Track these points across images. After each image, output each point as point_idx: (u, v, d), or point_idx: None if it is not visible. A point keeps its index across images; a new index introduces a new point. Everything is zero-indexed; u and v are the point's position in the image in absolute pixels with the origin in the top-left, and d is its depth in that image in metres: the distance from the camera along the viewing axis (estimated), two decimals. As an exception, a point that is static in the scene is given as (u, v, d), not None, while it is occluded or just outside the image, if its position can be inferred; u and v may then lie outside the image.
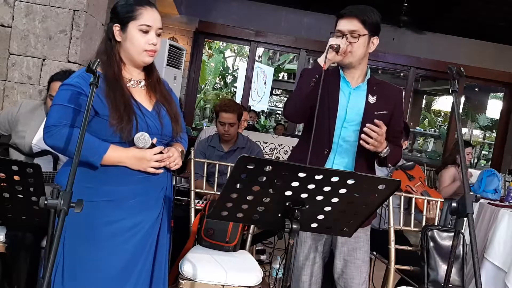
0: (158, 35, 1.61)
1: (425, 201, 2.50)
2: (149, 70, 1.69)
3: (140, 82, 1.66)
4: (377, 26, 1.84)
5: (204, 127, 4.30)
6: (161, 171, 1.62)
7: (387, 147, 1.80)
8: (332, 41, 1.75)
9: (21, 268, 2.04)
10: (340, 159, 1.87)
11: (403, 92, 2.02)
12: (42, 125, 2.21)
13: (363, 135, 1.75)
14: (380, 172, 2.63)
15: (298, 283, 1.93)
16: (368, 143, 1.75)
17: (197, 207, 2.53)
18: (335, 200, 1.31)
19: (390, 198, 2.28)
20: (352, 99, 1.87)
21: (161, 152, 1.58)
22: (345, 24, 1.80)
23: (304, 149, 1.77)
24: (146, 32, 1.57)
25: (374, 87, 1.89)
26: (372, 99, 1.87)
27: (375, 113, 1.84)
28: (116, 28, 1.58)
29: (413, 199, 2.53)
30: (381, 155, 1.81)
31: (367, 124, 1.74)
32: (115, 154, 1.52)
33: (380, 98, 1.87)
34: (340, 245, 1.92)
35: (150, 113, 1.61)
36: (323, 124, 1.82)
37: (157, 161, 1.58)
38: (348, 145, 1.87)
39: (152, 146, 1.57)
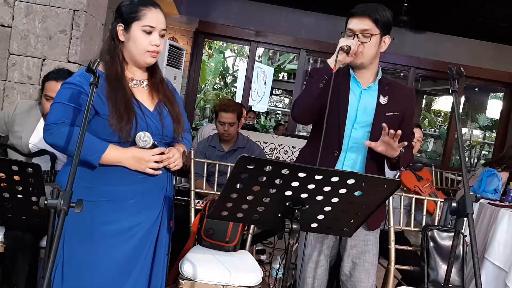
0: (162, 36, 1.61)
1: (437, 203, 2.48)
2: (152, 70, 1.69)
3: (142, 82, 1.66)
4: (389, 24, 1.78)
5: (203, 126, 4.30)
6: (160, 172, 1.61)
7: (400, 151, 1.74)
8: (343, 42, 1.69)
9: (20, 268, 2.04)
10: (350, 161, 1.83)
11: (415, 92, 1.96)
12: (38, 124, 2.21)
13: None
14: (390, 172, 2.59)
15: (302, 285, 1.91)
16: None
17: (197, 207, 2.53)
18: (335, 200, 1.31)
19: (390, 198, 2.28)
20: (363, 100, 1.81)
21: (162, 153, 1.58)
22: (356, 23, 1.74)
23: (312, 150, 1.73)
24: (149, 33, 1.57)
25: (386, 87, 1.83)
26: (383, 100, 1.81)
27: (387, 114, 1.79)
28: (120, 28, 1.58)
29: (425, 201, 2.51)
30: (394, 159, 1.77)
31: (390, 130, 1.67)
32: (113, 154, 1.52)
33: (391, 98, 1.82)
34: (349, 247, 1.88)
35: (151, 113, 1.61)
36: (333, 125, 1.78)
37: (156, 161, 1.58)
38: (358, 146, 1.81)
39: (154, 146, 1.56)
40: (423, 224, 2.41)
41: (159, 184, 1.66)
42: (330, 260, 1.94)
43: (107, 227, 1.54)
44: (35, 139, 2.19)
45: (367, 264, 1.87)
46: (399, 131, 1.65)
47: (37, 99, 2.38)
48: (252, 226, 2.47)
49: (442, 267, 2.18)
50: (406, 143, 1.70)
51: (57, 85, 2.13)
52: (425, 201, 2.50)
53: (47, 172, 2.12)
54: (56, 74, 2.20)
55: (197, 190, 2.55)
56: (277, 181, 1.24)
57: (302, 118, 1.84)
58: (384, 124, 1.67)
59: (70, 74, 2.27)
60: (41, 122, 2.21)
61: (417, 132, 2.68)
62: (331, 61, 1.70)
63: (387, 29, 1.78)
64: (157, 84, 1.68)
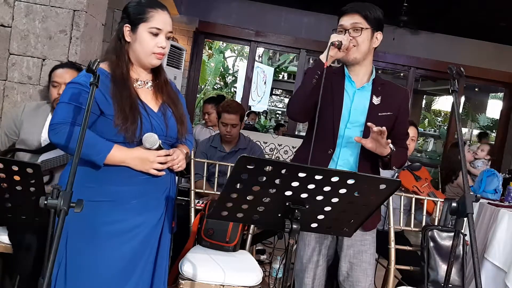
0: (168, 38, 1.62)
1: (437, 203, 2.48)
2: (156, 71, 1.69)
3: (147, 83, 1.66)
4: (380, 21, 1.81)
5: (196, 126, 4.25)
6: (163, 173, 1.61)
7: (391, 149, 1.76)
8: (334, 37, 1.71)
9: (25, 269, 2.04)
10: (344, 160, 1.85)
11: (409, 93, 1.97)
12: (47, 119, 2.22)
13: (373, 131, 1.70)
14: (387, 172, 2.59)
15: (301, 285, 1.91)
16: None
17: (197, 207, 2.53)
18: (335, 200, 1.31)
19: (390, 198, 2.28)
20: (356, 100, 1.83)
21: (167, 155, 1.58)
22: (347, 20, 1.78)
23: (308, 149, 1.75)
24: (156, 34, 1.58)
25: (379, 87, 1.85)
26: (376, 100, 1.83)
27: (379, 114, 1.81)
28: (127, 28, 1.58)
29: (425, 201, 2.51)
30: (386, 158, 1.78)
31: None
32: (118, 154, 1.52)
33: (384, 99, 1.84)
34: (346, 247, 1.89)
35: (155, 114, 1.61)
36: (327, 124, 1.80)
37: (160, 162, 1.58)
38: (352, 145, 1.83)
39: (159, 148, 1.57)
40: (423, 224, 2.42)
41: (162, 185, 1.66)
42: (328, 260, 1.95)
43: (110, 227, 1.54)
44: (46, 133, 2.19)
45: (365, 264, 1.87)
46: (384, 128, 1.67)
47: (48, 101, 2.38)
48: (252, 226, 2.47)
49: (442, 267, 2.18)
50: (390, 140, 1.72)
51: (63, 72, 2.23)
52: (425, 201, 2.50)
53: (62, 156, 2.14)
54: (60, 64, 2.31)
55: (197, 190, 2.55)
56: (277, 181, 1.24)
57: (297, 115, 1.85)
58: (369, 123, 1.69)
59: (74, 64, 2.35)
60: (51, 116, 2.22)
61: (412, 131, 2.67)
62: (323, 57, 1.72)
63: (378, 25, 1.81)
64: (162, 85, 1.68)
